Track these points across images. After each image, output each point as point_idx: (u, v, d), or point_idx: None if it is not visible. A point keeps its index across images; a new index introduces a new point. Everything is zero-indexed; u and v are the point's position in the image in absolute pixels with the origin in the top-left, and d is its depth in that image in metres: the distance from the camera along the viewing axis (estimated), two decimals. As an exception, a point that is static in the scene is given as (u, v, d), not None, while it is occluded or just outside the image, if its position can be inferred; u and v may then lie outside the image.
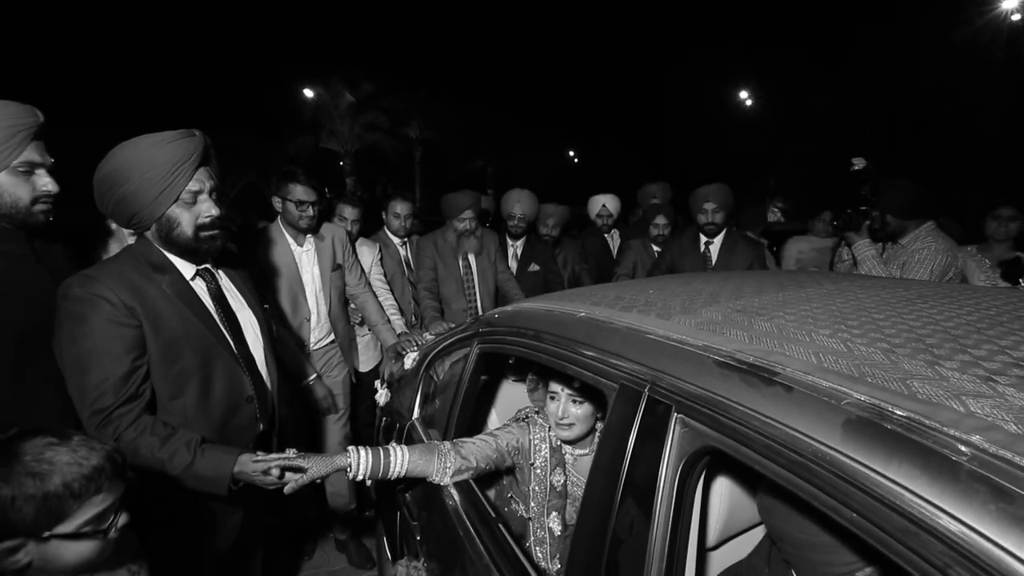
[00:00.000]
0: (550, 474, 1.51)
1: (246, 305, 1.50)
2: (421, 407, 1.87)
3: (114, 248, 1.98)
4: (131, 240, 1.68)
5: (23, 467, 0.81)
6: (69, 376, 1.22)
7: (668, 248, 3.21)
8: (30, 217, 1.30)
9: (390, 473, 1.32)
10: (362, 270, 2.74)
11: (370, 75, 18.20)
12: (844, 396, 0.64)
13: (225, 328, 1.40)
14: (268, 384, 1.51)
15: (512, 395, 1.97)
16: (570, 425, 1.45)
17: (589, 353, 1.06)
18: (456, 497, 1.36)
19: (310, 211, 2.38)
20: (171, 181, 1.25)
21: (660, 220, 3.50)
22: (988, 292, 1.09)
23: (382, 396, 2.34)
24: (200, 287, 1.39)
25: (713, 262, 3.00)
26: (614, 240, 4.07)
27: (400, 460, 1.32)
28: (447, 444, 1.41)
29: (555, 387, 1.48)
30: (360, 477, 1.29)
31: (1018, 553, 0.44)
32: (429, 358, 1.92)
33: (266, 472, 1.21)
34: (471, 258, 3.04)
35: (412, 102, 18.38)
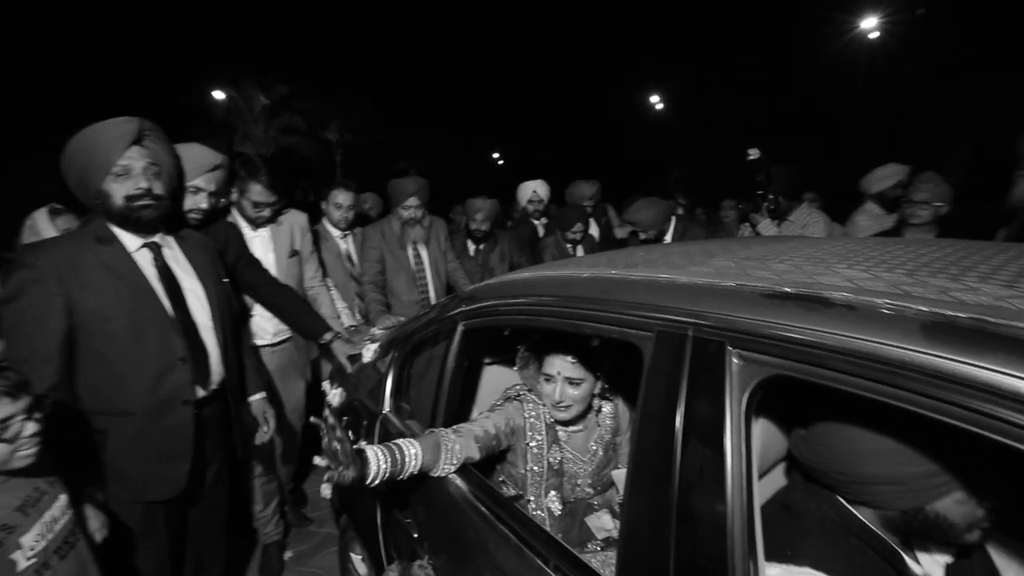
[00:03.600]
0: (547, 453, 1.42)
1: (195, 276, 1.61)
2: (394, 398, 1.70)
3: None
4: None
5: None
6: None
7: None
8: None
9: (404, 473, 1.17)
10: (320, 262, 2.57)
11: (285, 76, 17.34)
12: (904, 309, 0.65)
13: (166, 295, 1.52)
14: (209, 350, 1.60)
15: (493, 378, 1.86)
16: (568, 407, 1.39)
17: (609, 308, 0.99)
18: (461, 484, 1.23)
19: (266, 212, 2.27)
20: (104, 157, 1.43)
21: (579, 227, 3.41)
22: (925, 241, 1.16)
23: (336, 396, 2.13)
24: (145, 258, 1.52)
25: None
26: (541, 231, 3.93)
27: (415, 457, 1.18)
28: (449, 433, 1.28)
29: (550, 369, 1.40)
30: (377, 482, 1.14)
31: None
32: (400, 346, 1.76)
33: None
34: (421, 248, 2.88)
35: (331, 104, 17.68)
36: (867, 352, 0.64)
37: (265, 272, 2.23)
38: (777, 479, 1.05)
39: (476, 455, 1.31)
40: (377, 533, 1.49)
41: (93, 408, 1.44)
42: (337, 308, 2.60)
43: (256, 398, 1.96)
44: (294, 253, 2.42)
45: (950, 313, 0.61)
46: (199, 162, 1.86)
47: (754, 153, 3.23)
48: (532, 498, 1.42)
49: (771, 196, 3.00)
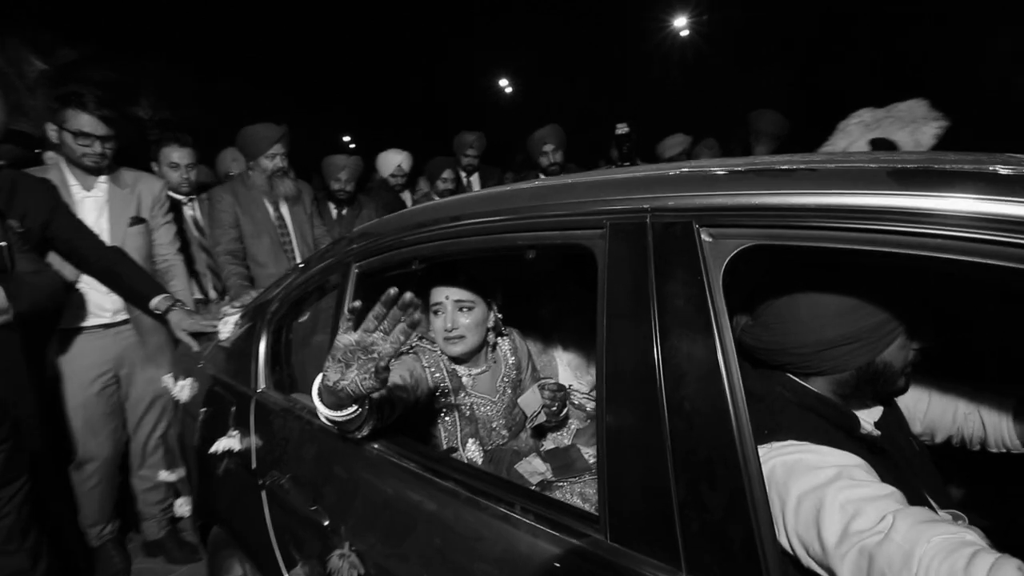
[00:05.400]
0: (455, 399, 1.28)
1: None
2: (272, 372, 1.39)
3: None
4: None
5: None
6: None
7: None
8: None
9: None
10: (177, 232, 2.17)
11: (70, 38, 14.01)
12: (880, 163, 0.66)
13: None
14: None
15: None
16: (460, 338, 1.27)
17: (545, 212, 0.88)
18: (380, 448, 1.02)
19: (97, 147, 1.85)
20: None
21: (448, 174, 3.48)
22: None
23: (184, 389, 1.73)
24: None
25: None
26: (410, 202, 3.74)
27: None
28: None
29: (438, 297, 1.27)
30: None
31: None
32: (270, 311, 1.45)
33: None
34: (283, 208, 2.47)
35: (140, 76, 14.79)
36: (839, 205, 0.63)
37: (86, 232, 1.81)
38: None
39: (394, 410, 1.11)
40: (269, 537, 1.20)
41: None
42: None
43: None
44: (137, 221, 1.99)
45: (930, 164, 0.63)
46: None
47: (622, 128, 3.43)
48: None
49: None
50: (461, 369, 1.32)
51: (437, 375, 1.28)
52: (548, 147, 3.11)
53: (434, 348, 1.31)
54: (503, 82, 17.71)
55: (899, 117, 2.23)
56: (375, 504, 0.96)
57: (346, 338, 0.81)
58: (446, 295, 1.25)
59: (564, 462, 1.35)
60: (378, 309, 0.81)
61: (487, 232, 0.96)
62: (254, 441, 1.31)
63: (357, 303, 0.83)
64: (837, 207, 0.63)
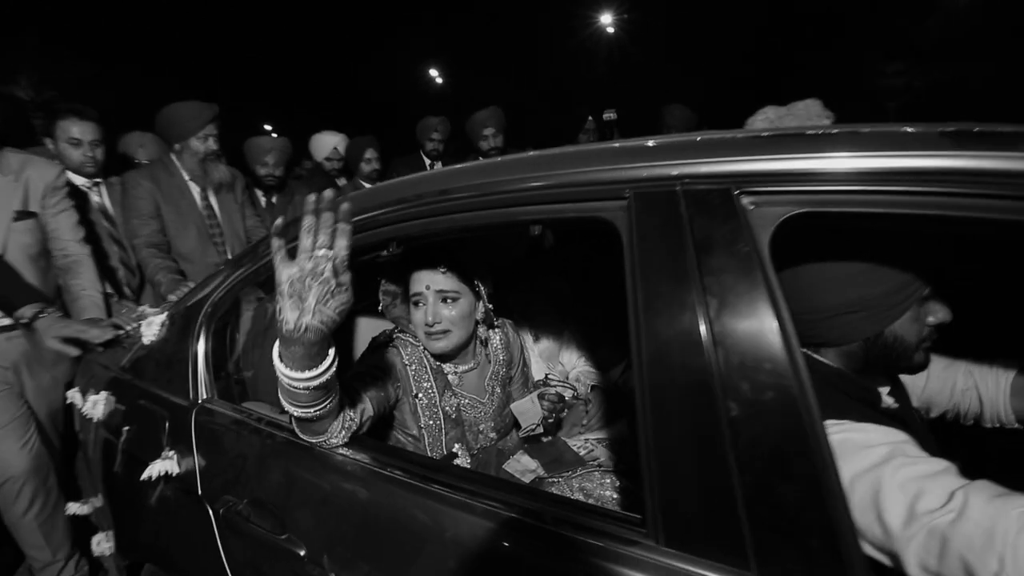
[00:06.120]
0: (440, 401, 1.16)
1: None
2: (215, 380, 1.20)
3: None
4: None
5: None
6: None
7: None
8: None
9: (324, 403, 0.86)
10: (79, 222, 1.86)
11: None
12: (918, 127, 0.62)
13: None
14: None
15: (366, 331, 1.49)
16: (444, 332, 1.13)
17: (558, 183, 0.78)
18: (362, 460, 0.88)
19: None
20: None
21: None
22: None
23: (98, 404, 1.47)
24: None
25: None
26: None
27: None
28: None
29: (418, 286, 1.13)
30: (326, 372, 0.80)
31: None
32: (211, 308, 1.24)
33: None
34: (211, 197, 2.18)
35: (16, 53, 12.88)
36: (897, 168, 0.60)
37: None
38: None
39: (371, 409, 0.98)
40: (224, 573, 1.02)
41: None
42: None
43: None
44: (24, 215, 1.69)
45: (939, 128, 0.61)
46: None
47: (610, 114, 3.51)
48: (435, 457, 1.15)
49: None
50: (447, 366, 1.20)
51: (421, 373, 1.15)
52: (488, 130, 3.00)
53: (416, 342, 1.18)
54: (433, 72, 17.41)
55: (797, 115, 2.38)
56: (364, 526, 0.82)
57: (287, 270, 0.72)
58: (427, 284, 1.12)
59: (553, 456, 1.27)
60: (308, 222, 0.73)
61: (483, 207, 0.85)
62: (198, 461, 1.11)
63: (279, 220, 0.76)
64: (894, 170, 0.60)
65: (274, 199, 2.92)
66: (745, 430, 0.59)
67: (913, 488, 0.60)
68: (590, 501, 1.05)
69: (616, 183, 0.74)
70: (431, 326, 1.12)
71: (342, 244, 0.74)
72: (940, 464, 0.62)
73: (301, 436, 0.93)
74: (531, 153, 0.84)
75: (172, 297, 1.75)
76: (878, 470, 0.63)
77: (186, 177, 2.13)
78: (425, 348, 1.17)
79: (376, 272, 1.24)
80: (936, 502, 0.58)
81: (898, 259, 0.75)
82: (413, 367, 1.15)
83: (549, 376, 1.56)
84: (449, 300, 1.13)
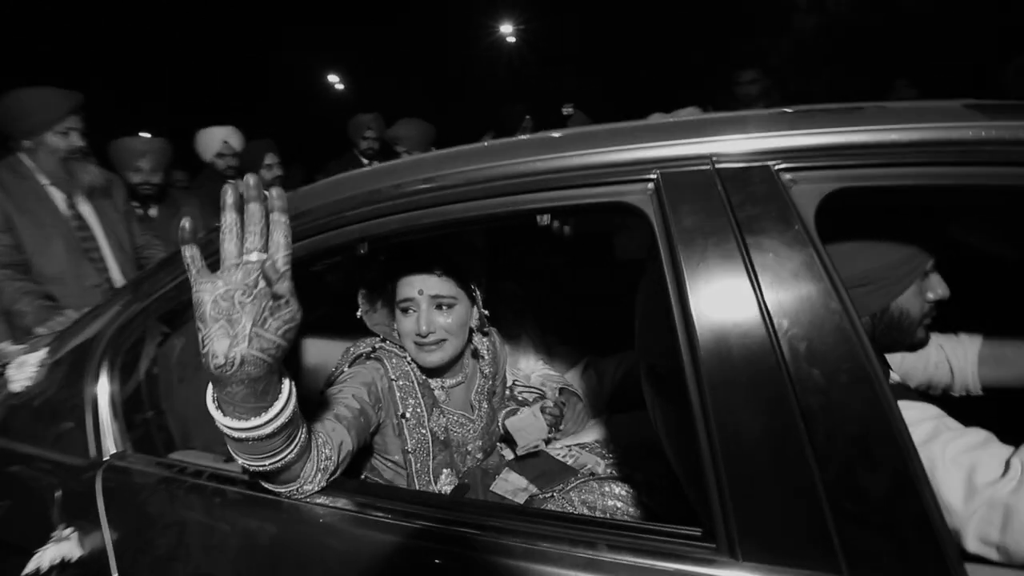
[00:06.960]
0: (428, 421, 1.03)
1: None
2: (127, 429, 0.94)
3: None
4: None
5: None
6: None
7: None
8: None
9: (291, 447, 0.68)
10: None
11: None
12: (935, 102, 0.65)
13: None
14: None
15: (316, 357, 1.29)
16: (439, 343, 1.01)
17: (573, 166, 0.70)
18: (343, 503, 0.73)
19: None
20: None
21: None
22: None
23: None
24: None
25: None
26: None
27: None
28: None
29: (409, 291, 1.00)
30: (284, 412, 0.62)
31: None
32: (112, 342, 0.98)
33: None
34: (83, 204, 1.78)
35: None
36: (938, 139, 0.60)
37: None
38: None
39: (350, 442, 0.82)
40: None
41: None
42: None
43: None
44: None
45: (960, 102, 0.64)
46: None
47: (568, 109, 3.56)
48: (421, 486, 1.01)
49: None
50: (433, 381, 1.06)
51: (408, 388, 1.01)
52: (370, 132, 3.17)
53: (403, 353, 1.02)
54: (333, 78, 16.88)
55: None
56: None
57: (207, 285, 0.55)
58: (419, 288, 0.98)
59: (540, 470, 1.18)
60: (228, 219, 0.56)
61: (480, 196, 0.74)
62: (110, 537, 0.86)
63: (186, 222, 0.56)
64: (936, 141, 0.59)
65: (151, 211, 2.47)
66: (823, 420, 0.54)
67: (967, 461, 0.60)
68: (596, 514, 0.98)
69: (639, 163, 0.67)
70: (424, 336, 0.98)
71: (280, 242, 0.56)
72: (982, 433, 0.63)
73: (264, 486, 0.75)
74: (540, 134, 0.75)
75: (41, 330, 1.40)
76: (928, 447, 0.62)
77: (44, 181, 1.73)
78: (413, 360, 1.02)
79: (344, 279, 1.07)
80: (993, 473, 0.58)
81: (900, 232, 0.77)
82: (399, 382, 1.00)
83: (516, 383, 1.47)
84: (445, 307, 1.00)
